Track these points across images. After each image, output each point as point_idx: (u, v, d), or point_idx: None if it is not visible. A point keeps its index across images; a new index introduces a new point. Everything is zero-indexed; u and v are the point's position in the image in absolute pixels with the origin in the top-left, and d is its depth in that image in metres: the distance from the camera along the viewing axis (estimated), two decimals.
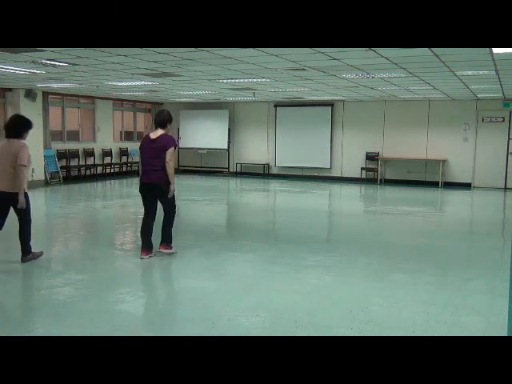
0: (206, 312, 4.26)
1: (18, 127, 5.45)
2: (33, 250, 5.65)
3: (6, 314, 4.09)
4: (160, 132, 5.79)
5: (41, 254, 5.79)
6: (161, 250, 5.97)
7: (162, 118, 5.84)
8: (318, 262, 5.84)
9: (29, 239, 5.58)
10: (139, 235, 6.02)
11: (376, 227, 8.45)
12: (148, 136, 5.91)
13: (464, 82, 9.56)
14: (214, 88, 11.75)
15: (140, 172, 5.95)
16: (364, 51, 6.32)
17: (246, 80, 9.94)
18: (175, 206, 6.01)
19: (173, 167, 5.72)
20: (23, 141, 5.41)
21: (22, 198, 5.26)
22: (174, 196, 5.85)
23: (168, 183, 5.69)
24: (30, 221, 5.56)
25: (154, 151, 5.70)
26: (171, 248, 6.03)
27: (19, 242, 5.55)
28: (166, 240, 6.01)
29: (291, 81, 9.93)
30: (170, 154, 5.64)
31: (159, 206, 5.97)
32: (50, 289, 4.82)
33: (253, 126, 16.69)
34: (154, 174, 5.69)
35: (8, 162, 5.23)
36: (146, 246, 5.91)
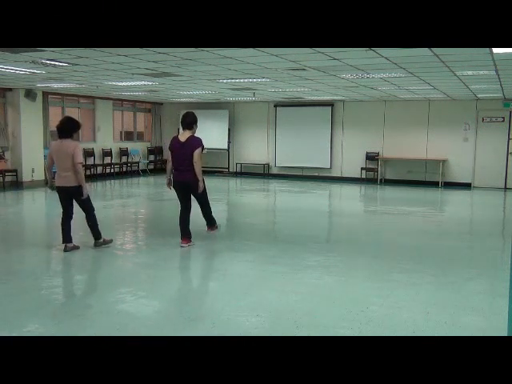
0: (206, 312, 4.26)
1: (69, 128, 6.07)
2: (104, 237, 6.40)
3: (6, 314, 4.09)
4: (188, 134, 6.27)
5: (110, 241, 6.47)
6: (209, 231, 6.92)
7: (189, 120, 6.30)
8: (318, 262, 5.84)
9: (96, 226, 6.30)
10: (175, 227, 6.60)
11: (376, 227, 8.45)
12: (177, 138, 6.35)
13: (464, 81, 9.56)
14: (214, 88, 11.75)
15: (167, 170, 6.53)
16: (364, 51, 6.32)
17: (245, 80, 9.94)
18: (207, 197, 6.63)
19: (200, 166, 6.23)
20: (75, 141, 6.15)
21: (85, 190, 6.06)
22: (205, 189, 6.41)
23: (197, 181, 6.23)
24: (93, 209, 6.28)
25: (184, 153, 6.19)
26: (217, 228, 6.98)
27: (90, 230, 6.31)
28: (211, 222, 6.85)
29: (291, 81, 9.93)
30: (196, 154, 6.16)
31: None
32: (49, 289, 4.82)
33: (253, 126, 16.69)
34: (186, 173, 6.22)
35: (68, 161, 5.94)
36: (185, 235, 6.45)
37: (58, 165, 6.04)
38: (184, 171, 6.22)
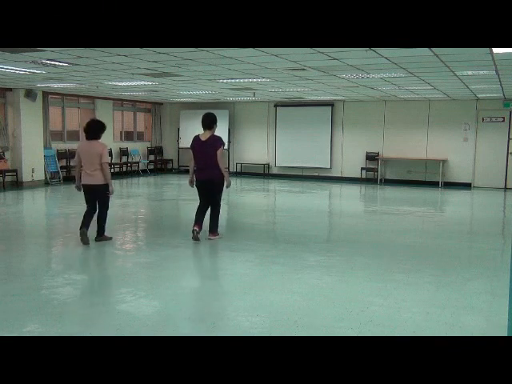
0: (206, 312, 4.26)
1: (96, 130, 6.51)
2: (105, 234, 6.69)
3: (6, 314, 4.09)
4: (208, 133, 6.56)
5: (110, 238, 6.71)
6: (210, 238, 6.75)
7: (209, 120, 6.59)
8: (318, 262, 5.83)
9: (104, 223, 6.61)
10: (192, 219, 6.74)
11: (376, 227, 8.44)
12: (198, 138, 6.62)
13: (464, 81, 9.56)
14: (214, 88, 11.75)
15: (190, 169, 6.77)
16: (364, 51, 6.32)
17: (245, 80, 9.94)
18: (220, 199, 6.81)
19: (223, 164, 6.56)
20: (102, 141, 6.55)
21: (111, 187, 6.45)
22: (221, 192, 6.71)
23: (220, 179, 6.52)
24: (107, 208, 6.62)
25: (206, 152, 6.47)
26: (218, 235, 6.85)
27: (97, 225, 6.57)
28: (214, 228, 6.80)
29: (291, 81, 9.93)
30: (220, 153, 6.47)
31: None
32: (49, 289, 4.82)
33: (253, 126, 16.69)
34: (207, 171, 6.49)
35: (96, 161, 6.32)
36: (199, 223, 6.64)
37: (86, 164, 6.38)
38: (207, 169, 6.48)
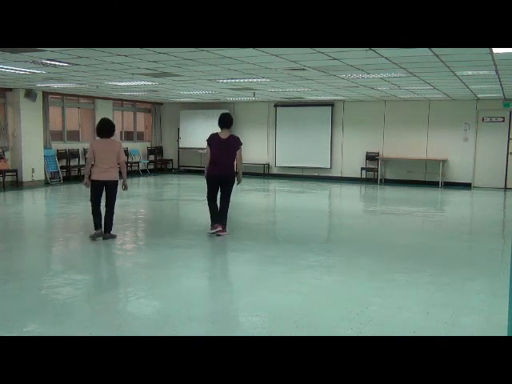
0: (206, 312, 4.26)
1: (110, 129, 6.78)
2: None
3: (6, 314, 4.09)
4: (227, 132, 6.99)
5: (115, 236, 6.80)
6: (219, 234, 6.89)
7: (227, 120, 7.03)
8: (318, 262, 5.83)
9: (112, 220, 6.75)
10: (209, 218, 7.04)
11: (376, 227, 8.45)
12: (218, 136, 7.00)
13: (464, 81, 9.56)
14: (214, 88, 11.75)
15: (207, 165, 7.03)
16: (364, 51, 6.32)
17: (245, 80, 9.94)
18: (230, 194, 7.09)
19: (241, 162, 7.11)
20: (118, 140, 6.76)
21: (127, 183, 6.90)
22: (232, 186, 7.05)
23: (232, 176, 6.99)
24: (114, 205, 6.80)
25: (224, 149, 6.90)
26: (226, 231, 6.98)
27: (105, 222, 6.70)
28: (224, 220, 6.98)
29: (291, 81, 9.93)
30: (239, 154, 7.01)
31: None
32: (49, 289, 4.82)
33: (253, 126, 16.68)
34: (224, 167, 6.89)
35: (112, 158, 6.65)
36: (218, 221, 6.93)
37: (102, 161, 6.63)
38: (222, 165, 6.86)
